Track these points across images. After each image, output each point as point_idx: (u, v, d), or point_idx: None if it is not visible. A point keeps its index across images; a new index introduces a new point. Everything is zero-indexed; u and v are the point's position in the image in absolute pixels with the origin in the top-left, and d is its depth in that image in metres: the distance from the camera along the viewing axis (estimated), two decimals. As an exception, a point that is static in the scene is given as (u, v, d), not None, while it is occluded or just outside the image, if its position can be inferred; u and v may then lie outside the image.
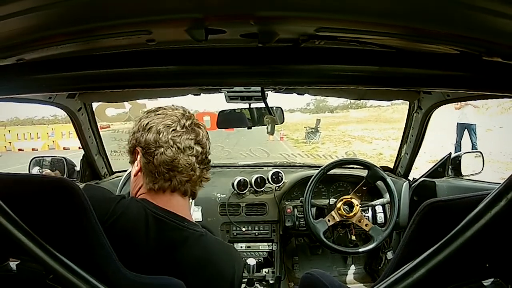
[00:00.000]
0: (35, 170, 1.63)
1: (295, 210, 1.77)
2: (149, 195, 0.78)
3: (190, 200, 0.84)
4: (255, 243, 1.81)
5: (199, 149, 0.77)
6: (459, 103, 6.37)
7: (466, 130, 6.76)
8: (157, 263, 0.73)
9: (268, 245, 1.81)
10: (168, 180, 0.76)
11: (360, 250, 1.58)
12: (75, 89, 1.07)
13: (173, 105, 0.82)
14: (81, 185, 0.81)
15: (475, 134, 6.75)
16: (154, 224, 0.74)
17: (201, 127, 0.81)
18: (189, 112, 0.81)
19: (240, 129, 1.83)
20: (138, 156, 0.79)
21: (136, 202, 0.77)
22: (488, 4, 0.41)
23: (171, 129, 0.76)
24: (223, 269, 0.78)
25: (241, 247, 1.79)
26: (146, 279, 0.66)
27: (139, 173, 0.80)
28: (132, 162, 0.82)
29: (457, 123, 6.84)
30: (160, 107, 0.81)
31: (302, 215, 1.68)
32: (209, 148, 0.81)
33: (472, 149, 6.26)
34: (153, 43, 0.59)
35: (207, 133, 0.82)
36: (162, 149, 0.75)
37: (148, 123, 0.78)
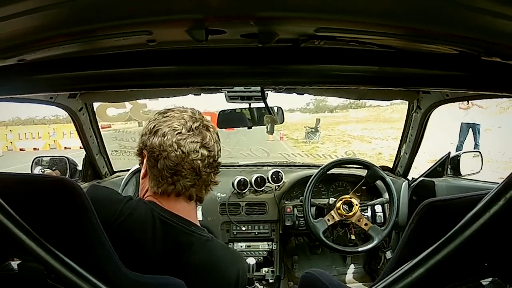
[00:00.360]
0: (37, 170, 1.64)
1: (295, 209, 1.77)
2: (155, 197, 0.78)
3: (198, 205, 0.82)
4: (255, 243, 1.81)
5: (205, 152, 0.75)
6: (465, 104, 6.46)
7: (471, 129, 6.81)
8: (163, 265, 0.73)
9: (268, 245, 1.82)
10: (172, 184, 0.75)
11: (360, 249, 1.59)
12: (76, 89, 1.08)
13: (182, 107, 0.80)
14: (84, 185, 0.81)
15: (479, 134, 6.81)
16: (161, 226, 0.74)
17: (210, 129, 0.78)
18: (199, 114, 0.79)
19: (240, 129, 1.83)
20: (145, 160, 0.78)
21: (144, 204, 0.76)
22: (487, 4, 0.41)
23: (177, 132, 0.74)
24: (228, 274, 0.78)
25: (241, 246, 1.80)
26: (146, 279, 0.67)
27: (146, 176, 0.79)
28: (141, 164, 0.82)
29: (462, 123, 6.90)
30: (169, 109, 0.79)
31: (302, 215, 1.69)
32: (219, 151, 0.79)
33: (474, 148, 6.30)
34: (153, 43, 0.60)
35: (217, 135, 0.80)
36: (165, 153, 0.73)
37: (154, 126, 0.76)
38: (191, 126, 0.75)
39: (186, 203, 0.78)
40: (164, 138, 0.74)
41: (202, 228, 0.80)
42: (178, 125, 0.75)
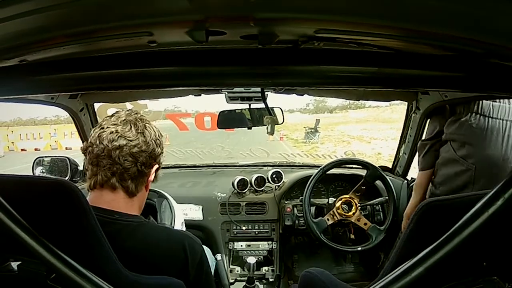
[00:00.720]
0: (38, 170, 1.63)
1: (295, 209, 1.77)
2: (89, 194, 0.79)
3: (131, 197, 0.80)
4: (255, 242, 1.82)
5: (123, 142, 0.76)
6: None
7: None
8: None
9: (268, 244, 1.82)
10: (94, 175, 0.77)
11: (359, 249, 1.59)
12: (78, 89, 1.08)
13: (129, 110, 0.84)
14: (84, 185, 0.82)
15: None
16: None
17: (139, 123, 0.80)
18: (136, 113, 0.83)
19: (240, 129, 1.83)
20: None
21: None
22: (486, 5, 0.41)
23: (101, 127, 0.79)
24: (171, 253, 0.77)
25: (241, 245, 1.80)
26: (146, 279, 0.67)
27: None
28: None
29: None
30: (117, 111, 0.84)
31: (302, 214, 1.69)
32: (144, 142, 0.79)
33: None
34: (154, 44, 0.60)
35: (152, 130, 0.82)
36: (90, 148, 0.77)
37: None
38: (116, 120, 0.79)
39: (112, 193, 0.78)
40: (91, 136, 0.78)
41: (131, 215, 0.79)
42: (106, 122, 0.79)
